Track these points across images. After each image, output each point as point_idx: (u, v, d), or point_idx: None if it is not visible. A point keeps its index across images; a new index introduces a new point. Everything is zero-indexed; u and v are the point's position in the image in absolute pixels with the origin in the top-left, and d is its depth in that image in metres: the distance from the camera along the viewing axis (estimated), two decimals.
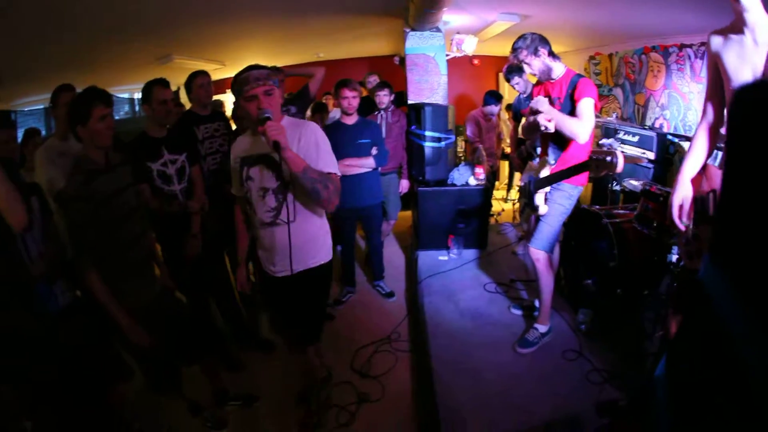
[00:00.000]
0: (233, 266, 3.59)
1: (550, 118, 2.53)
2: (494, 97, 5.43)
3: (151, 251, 2.41)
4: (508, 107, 6.19)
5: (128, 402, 2.45)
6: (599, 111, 5.32)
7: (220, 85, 7.23)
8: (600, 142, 4.28)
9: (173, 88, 3.19)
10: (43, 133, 4.51)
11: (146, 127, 2.79)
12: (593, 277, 3.09)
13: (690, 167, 1.95)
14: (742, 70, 1.70)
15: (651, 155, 4.01)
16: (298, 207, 2.13)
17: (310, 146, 2.06)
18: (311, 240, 2.22)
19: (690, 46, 4.23)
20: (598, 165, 2.19)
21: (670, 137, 4.10)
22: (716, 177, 1.88)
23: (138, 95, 7.03)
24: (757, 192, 0.84)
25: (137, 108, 8.05)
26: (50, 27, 3.39)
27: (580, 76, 2.60)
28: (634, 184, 3.57)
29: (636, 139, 4.22)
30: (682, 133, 4.37)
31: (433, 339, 3.02)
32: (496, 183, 6.63)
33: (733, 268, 1.07)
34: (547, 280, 2.83)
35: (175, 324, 2.35)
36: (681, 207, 1.94)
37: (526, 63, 2.63)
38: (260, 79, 1.95)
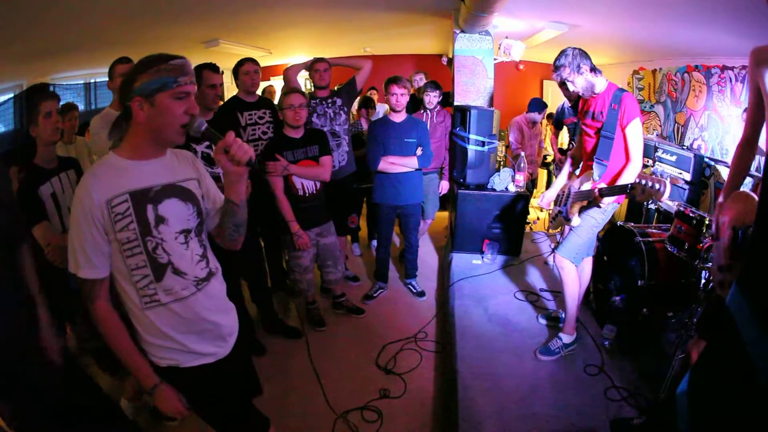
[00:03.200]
0: (267, 251, 3.74)
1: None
2: (538, 104, 5.41)
3: None
4: (549, 116, 6.17)
5: None
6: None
7: (265, 73, 7.33)
8: (653, 170, 4.27)
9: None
10: (81, 107, 4.44)
11: None
12: (622, 294, 3.09)
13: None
14: None
15: (687, 176, 3.99)
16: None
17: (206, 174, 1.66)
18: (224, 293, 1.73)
19: (732, 68, 4.21)
20: (644, 190, 2.18)
21: (707, 160, 4.08)
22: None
23: None
24: None
25: None
26: (96, 3, 3.38)
27: (622, 90, 2.57)
28: (669, 204, 3.56)
29: (674, 158, 4.20)
30: (719, 156, 4.34)
31: (461, 341, 3.04)
32: (534, 191, 6.62)
33: (759, 296, 1.15)
34: (571, 290, 2.81)
35: None
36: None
37: (569, 81, 2.58)
38: (191, 72, 1.42)
